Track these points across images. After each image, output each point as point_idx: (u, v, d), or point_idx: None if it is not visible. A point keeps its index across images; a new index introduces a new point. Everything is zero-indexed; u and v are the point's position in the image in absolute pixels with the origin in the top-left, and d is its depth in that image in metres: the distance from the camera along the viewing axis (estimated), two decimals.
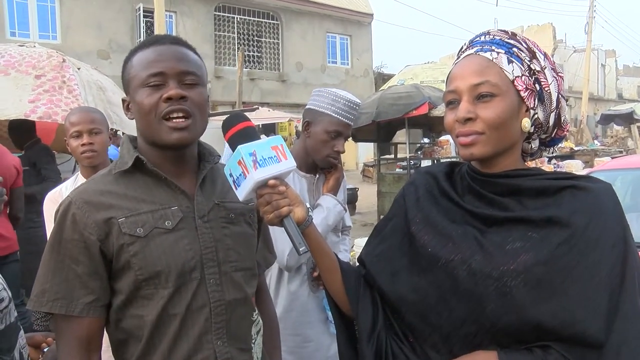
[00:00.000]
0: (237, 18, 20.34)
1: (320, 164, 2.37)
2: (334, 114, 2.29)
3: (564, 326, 1.12)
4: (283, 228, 1.32)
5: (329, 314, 2.33)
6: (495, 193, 1.28)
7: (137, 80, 1.34)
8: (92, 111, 2.82)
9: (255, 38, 21.19)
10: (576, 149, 14.67)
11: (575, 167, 10.97)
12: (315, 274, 2.32)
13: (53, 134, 6.05)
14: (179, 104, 1.32)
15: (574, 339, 1.12)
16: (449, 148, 10.93)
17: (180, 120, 1.32)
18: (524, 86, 1.24)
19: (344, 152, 2.34)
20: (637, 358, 1.13)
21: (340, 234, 2.60)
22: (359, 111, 2.49)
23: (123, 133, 5.64)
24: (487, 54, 1.26)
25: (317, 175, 2.44)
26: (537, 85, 1.27)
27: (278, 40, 21.72)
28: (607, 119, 23.51)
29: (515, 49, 1.27)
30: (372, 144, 16.29)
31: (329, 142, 2.29)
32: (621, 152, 14.59)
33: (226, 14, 20.08)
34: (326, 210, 2.31)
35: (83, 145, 2.63)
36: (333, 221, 2.34)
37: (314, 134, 2.32)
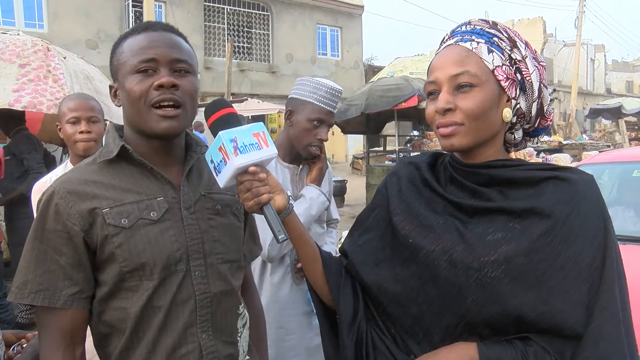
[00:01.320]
0: (227, 9, 20.22)
1: (302, 154, 2.36)
2: (316, 102, 2.29)
3: (543, 318, 1.12)
4: (263, 216, 1.30)
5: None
6: (478, 183, 1.27)
7: (128, 66, 1.31)
8: (91, 99, 2.75)
9: (245, 29, 21.09)
10: (564, 142, 14.74)
11: (563, 160, 11.04)
12: (299, 265, 2.31)
13: (39, 123, 5.99)
14: (170, 93, 1.29)
15: (553, 331, 1.12)
16: (437, 140, 10.95)
17: (170, 109, 1.30)
18: (505, 76, 1.23)
19: (326, 140, 2.33)
20: (615, 350, 1.13)
21: (325, 225, 2.59)
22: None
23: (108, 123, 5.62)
24: (467, 44, 1.25)
25: (301, 166, 2.43)
26: (518, 74, 1.26)
27: (268, 31, 21.63)
28: (595, 113, 23.64)
29: (495, 39, 1.25)
30: (362, 136, 16.30)
31: (312, 131, 2.29)
32: (609, 146, 14.69)
33: (216, 5, 19.95)
34: (309, 201, 2.31)
35: (81, 132, 2.54)
36: (316, 211, 2.33)
37: (296, 122, 2.32)
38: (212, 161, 1.30)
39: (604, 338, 1.12)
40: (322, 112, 2.29)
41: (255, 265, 2.31)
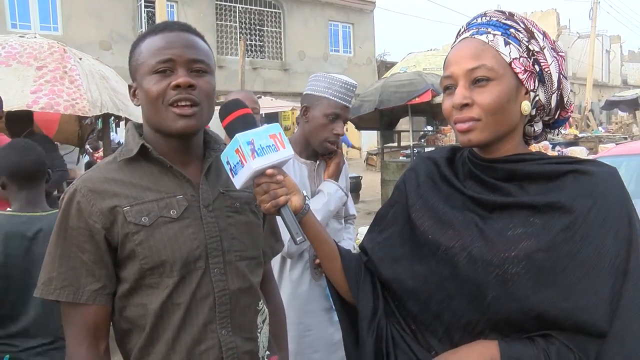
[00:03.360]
0: (238, 7, 20.25)
1: (319, 149, 2.37)
2: (331, 97, 2.29)
3: (565, 315, 1.10)
4: (280, 217, 1.31)
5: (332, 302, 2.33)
6: (497, 178, 1.26)
7: (146, 66, 1.33)
8: (250, 94, 2.99)
9: (257, 27, 21.12)
10: (580, 135, 14.61)
11: (579, 153, 10.92)
12: (317, 261, 2.31)
13: (56, 124, 6.06)
14: (187, 93, 1.31)
15: (576, 328, 1.10)
16: (452, 135, 10.90)
17: (187, 107, 1.31)
18: (522, 68, 1.21)
19: (343, 134, 2.34)
20: (635, 348, 1.10)
21: (343, 221, 2.59)
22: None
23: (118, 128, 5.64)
24: (483, 37, 1.23)
25: (318, 162, 2.43)
26: (536, 66, 1.23)
27: (280, 29, 21.63)
28: (611, 105, 23.37)
29: (512, 30, 1.23)
30: (375, 132, 16.25)
31: (328, 126, 2.30)
32: (625, 138, 14.50)
33: (227, 3, 19.99)
34: (327, 196, 2.31)
35: None
36: (334, 207, 2.33)
37: (312, 118, 2.33)
38: (228, 162, 1.30)
39: (631, 335, 1.10)
40: (338, 107, 2.30)
41: (275, 262, 2.32)
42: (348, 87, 2.32)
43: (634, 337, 1.10)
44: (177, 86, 1.30)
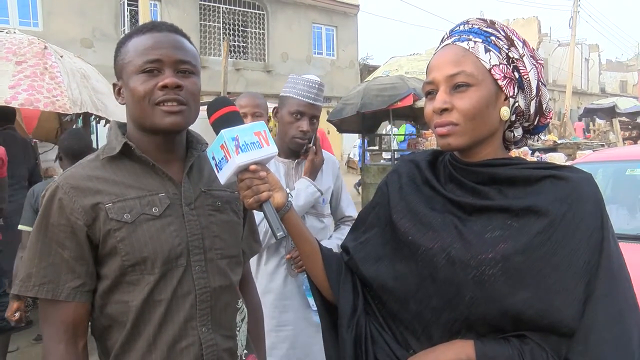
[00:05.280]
0: (222, 7, 20.16)
1: (291, 147, 2.47)
2: (295, 95, 2.42)
3: (540, 315, 1.13)
4: (262, 212, 1.33)
5: (310, 300, 2.35)
6: (476, 182, 1.29)
7: (132, 66, 1.34)
8: (259, 97, 3.04)
9: (241, 28, 21.03)
10: (559, 142, 14.77)
11: (558, 159, 11.05)
12: (288, 256, 2.38)
13: (35, 121, 5.98)
14: (174, 93, 1.32)
15: (550, 328, 1.13)
16: (433, 140, 10.97)
17: (174, 104, 1.33)
18: (502, 75, 1.24)
19: (308, 130, 2.42)
20: (604, 344, 1.13)
21: (328, 220, 2.63)
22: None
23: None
24: (464, 44, 1.26)
25: (296, 161, 2.52)
26: (516, 73, 1.27)
27: (264, 30, 21.58)
28: (589, 113, 23.69)
29: (493, 38, 1.27)
30: (357, 135, 16.28)
31: (294, 123, 2.42)
32: (603, 145, 14.71)
33: (211, 4, 19.89)
34: (296, 191, 2.39)
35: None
36: (304, 201, 2.39)
37: (280, 117, 2.47)
38: (213, 158, 1.32)
39: (593, 333, 1.13)
40: (301, 105, 2.41)
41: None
42: (311, 84, 2.42)
43: (597, 334, 1.13)
44: (165, 87, 1.32)
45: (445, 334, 1.23)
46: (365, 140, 11.86)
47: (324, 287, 1.47)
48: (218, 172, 1.32)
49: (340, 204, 2.69)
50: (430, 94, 1.29)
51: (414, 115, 10.98)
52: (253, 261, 2.37)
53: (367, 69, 24.50)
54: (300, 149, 2.49)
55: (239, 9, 20.70)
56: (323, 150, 2.59)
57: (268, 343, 2.31)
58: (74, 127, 6.49)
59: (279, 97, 2.51)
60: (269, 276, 2.42)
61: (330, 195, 2.64)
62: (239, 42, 20.97)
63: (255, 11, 21.27)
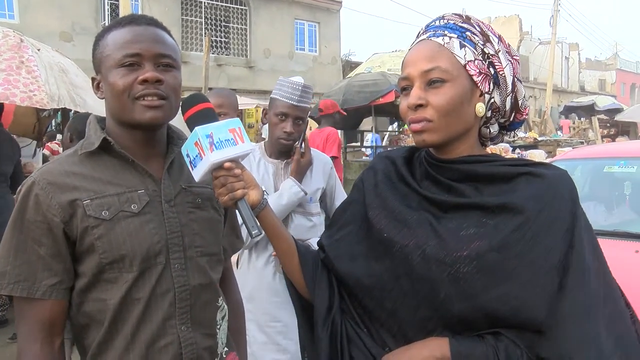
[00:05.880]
0: (204, 2, 20.01)
1: (277, 147, 2.54)
2: (280, 97, 2.49)
3: (514, 312, 1.13)
4: (237, 211, 1.32)
5: None
6: (452, 179, 1.28)
7: (111, 60, 1.32)
8: (231, 95, 3.13)
9: (223, 23, 20.89)
10: (540, 139, 14.92)
11: (538, 156, 11.15)
12: (274, 253, 2.38)
13: (11, 116, 5.87)
14: (154, 87, 1.30)
15: (524, 325, 1.13)
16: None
17: (155, 98, 1.31)
18: (477, 70, 1.24)
19: (291, 132, 2.48)
20: (571, 339, 1.13)
21: (312, 217, 2.65)
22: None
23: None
24: (439, 39, 1.25)
25: (285, 161, 2.57)
26: (491, 69, 1.26)
27: (246, 26, 21.46)
28: (569, 111, 23.99)
29: (468, 33, 1.26)
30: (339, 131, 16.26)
31: (279, 125, 2.49)
32: (582, 142, 14.89)
33: None
34: (280, 190, 2.45)
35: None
36: (287, 201, 2.43)
37: (268, 119, 2.56)
38: (188, 155, 1.31)
39: (561, 326, 1.13)
40: (285, 106, 2.47)
41: (245, 251, 2.50)
42: (294, 86, 2.48)
43: (563, 329, 1.13)
44: (145, 81, 1.29)
45: (421, 332, 1.22)
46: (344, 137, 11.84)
47: (300, 284, 1.46)
48: (193, 169, 1.30)
49: (335, 202, 2.73)
50: (405, 89, 1.28)
51: (395, 112, 10.99)
52: (245, 258, 2.48)
53: (349, 66, 24.48)
54: (286, 150, 2.54)
55: (221, 4, 20.56)
56: (315, 150, 2.68)
57: (262, 338, 2.45)
58: (53, 121, 6.40)
59: (269, 99, 2.57)
60: (259, 273, 2.48)
61: (323, 194, 2.70)
62: (221, 38, 20.82)
63: (238, 6, 21.14)
